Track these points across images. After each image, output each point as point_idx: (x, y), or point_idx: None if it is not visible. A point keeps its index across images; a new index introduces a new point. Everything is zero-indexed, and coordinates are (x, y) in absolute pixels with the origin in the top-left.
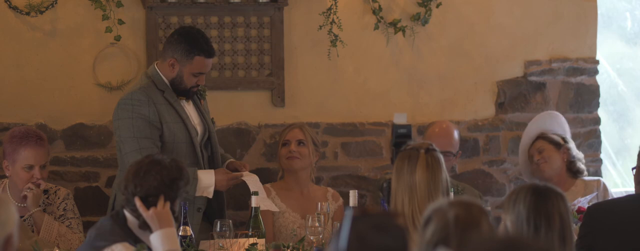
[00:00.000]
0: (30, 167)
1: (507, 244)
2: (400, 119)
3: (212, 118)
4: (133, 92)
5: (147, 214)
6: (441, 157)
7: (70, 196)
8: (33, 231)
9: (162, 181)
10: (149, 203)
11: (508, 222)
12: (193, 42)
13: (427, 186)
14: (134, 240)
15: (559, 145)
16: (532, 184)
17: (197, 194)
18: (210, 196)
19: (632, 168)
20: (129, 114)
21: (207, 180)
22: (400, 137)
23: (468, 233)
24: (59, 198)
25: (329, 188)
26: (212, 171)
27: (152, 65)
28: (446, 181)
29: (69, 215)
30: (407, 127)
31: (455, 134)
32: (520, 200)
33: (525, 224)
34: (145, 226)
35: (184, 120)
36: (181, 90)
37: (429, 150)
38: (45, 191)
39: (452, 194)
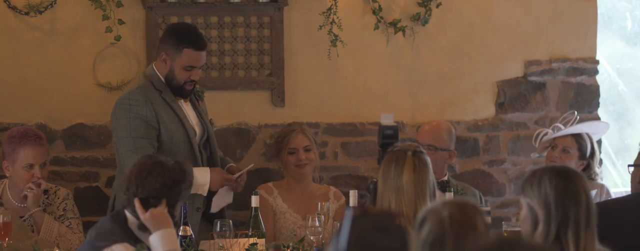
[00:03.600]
0: (31, 166)
1: (502, 243)
2: (387, 120)
3: (211, 120)
4: (130, 92)
5: (145, 216)
6: (428, 159)
7: (70, 196)
8: (33, 231)
9: (164, 183)
10: (149, 204)
11: (533, 205)
12: (181, 35)
13: (414, 188)
14: (135, 241)
15: (583, 158)
16: (552, 167)
17: (192, 191)
18: (205, 194)
19: (629, 166)
20: (127, 114)
21: (202, 178)
22: (387, 137)
23: (463, 233)
24: (59, 198)
25: (331, 187)
26: (208, 169)
27: (150, 65)
28: (433, 183)
29: (69, 215)
30: (394, 127)
31: (445, 131)
32: (544, 182)
33: (554, 205)
34: (144, 228)
35: (181, 120)
36: (175, 87)
37: (416, 153)
38: (45, 192)
39: (451, 194)
